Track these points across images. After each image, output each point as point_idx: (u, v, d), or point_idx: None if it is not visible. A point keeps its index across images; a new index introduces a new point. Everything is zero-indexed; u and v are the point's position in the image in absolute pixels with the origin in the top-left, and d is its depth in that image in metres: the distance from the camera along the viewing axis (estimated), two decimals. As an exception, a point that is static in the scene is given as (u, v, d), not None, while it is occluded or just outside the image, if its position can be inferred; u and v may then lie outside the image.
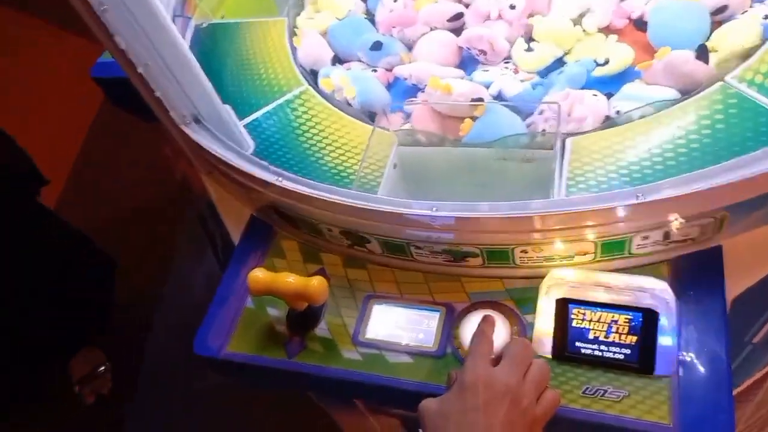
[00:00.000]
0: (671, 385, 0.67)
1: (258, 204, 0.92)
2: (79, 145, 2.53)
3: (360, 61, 1.01)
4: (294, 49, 1.02)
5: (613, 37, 0.89)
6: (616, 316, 0.71)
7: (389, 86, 0.97)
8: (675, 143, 0.71)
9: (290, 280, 0.78)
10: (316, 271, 0.86)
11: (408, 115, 0.91)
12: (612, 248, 0.73)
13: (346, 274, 0.85)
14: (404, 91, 0.95)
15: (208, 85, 0.86)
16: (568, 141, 0.77)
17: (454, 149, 0.84)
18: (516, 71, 0.91)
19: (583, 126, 0.79)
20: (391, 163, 0.83)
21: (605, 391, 0.69)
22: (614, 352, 0.70)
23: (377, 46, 0.98)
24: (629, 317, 0.70)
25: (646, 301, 0.71)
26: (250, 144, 0.89)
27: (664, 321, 0.69)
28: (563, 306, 0.73)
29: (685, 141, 0.71)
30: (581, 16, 0.92)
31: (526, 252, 0.74)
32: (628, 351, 0.70)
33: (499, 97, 0.87)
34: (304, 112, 0.91)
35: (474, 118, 0.84)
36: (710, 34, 0.82)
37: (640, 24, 0.89)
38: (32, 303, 1.62)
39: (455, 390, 0.62)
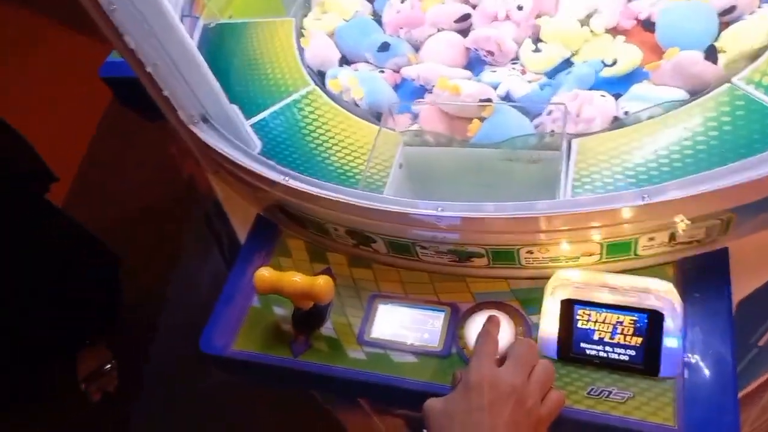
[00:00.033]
0: (676, 386, 0.67)
1: (264, 203, 0.93)
2: (86, 145, 2.54)
3: (367, 62, 1.01)
4: (301, 50, 1.02)
5: (621, 37, 0.89)
6: (622, 318, 0.71)
7: (396, 87, 0.97)
8: (681, 144, 0.71)
9: (296, 279, 0.78)
10: (322, 270, 0.87)
11: (416, 116, 0.91)
12: (618, 249, 0.73)
13: (352, 274, 0.86)
14: (411, 92, 0.95)
15: (216, 84, 0.87)
16: (574, 142, 0.77)
17: (459, 149, 0.84)
18: (523, 72, 0.91)
19: (591, 127, 0.79)
20: (396, 163, 0.83)
21: (610, 393, 0.69)
22: (619, 354, 0.70)
23: (385, 47, 0.98)
24: (634, 318, 0.70)
25: (652, 303, 0.71)
26: (257, 143, 0.89)
27: (669, 323, 0.69)
28: (568, 307, 0.73)
29: (691, 142, 0.71)
30: (589, 16, 0.92)
31: (532, 253, 0.75)
32: (633, 352, 0.70)
33: (507, 97, 0.87)
34: (311, 112, 0.91)
35: (482, 119, 0.84)
36: (718, 35, 0.82)
37: (648, 25, 0.89)
38: (32, 302, 1.61)
39: (460, 390, 0.62)
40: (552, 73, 0.90)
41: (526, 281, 0.78)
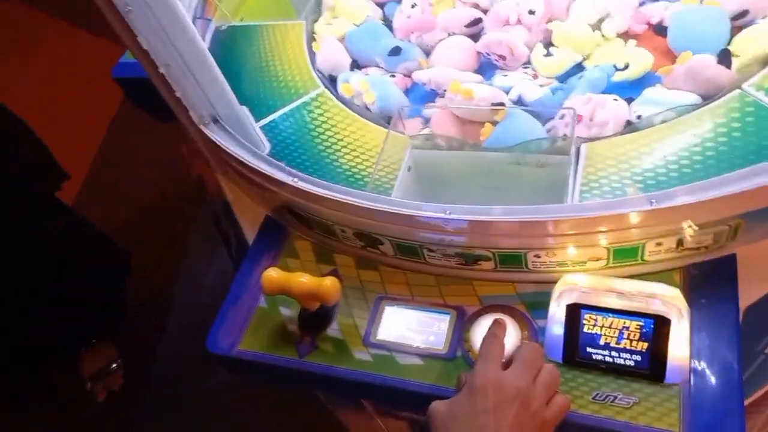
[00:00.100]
0: (682, 393, 0.67)
1: (273, 204, 0.93)
2: (98, 145, 2.56)
3: (378, 66, 1.02)
4: (312, 54, 1.03)
5: (632, 42, 0.89)
6: (628, 323, 0.71)
7: (407, 91, 0.98)
8: (690, 150, 0.71)
9: (303, 280, 0.78)
10: (329, 271, 0.87)
11: (427, 120, 0.91)
12: (625, 254, 0.73)
13: (359, 275, 0.86)
14: (422, 96, 0.96)
15: (227, 86, 0.88)
16: (583, 146, 0.77)
17: (466, 153, 0.84)
18: (535, 76, 0.91)
19: (604, 131, 0.79)
20: (405, 166, 0.83)
21: (615, 398, 0.68)
22: (625, 359, 0.70)
23: (396, 51, 0.98)
24: (641, 324, 0.70)
25: (658, 308, 0.70)
26: (267, 145, 0.90)
27: (675, 328, 0.69)
28: (575, 311, 0.73)
29: (700, 148, 0.71)
30: (600, 21, 0.92)
31: (539, 257, 0.75)
32: (638, 358, 0.69)
33: (519, 102, 0.87)
34: (320, 115, 0.92)
35: (494, 123, 0.84)
36: (730, 40, 0.82)
37: (660, 29, 0.89)
38: (31, 302, 1.60)
39: (465, 392, 0.62)
40: (564, 78, 0.90)
41: (533, 285, 0.78)
